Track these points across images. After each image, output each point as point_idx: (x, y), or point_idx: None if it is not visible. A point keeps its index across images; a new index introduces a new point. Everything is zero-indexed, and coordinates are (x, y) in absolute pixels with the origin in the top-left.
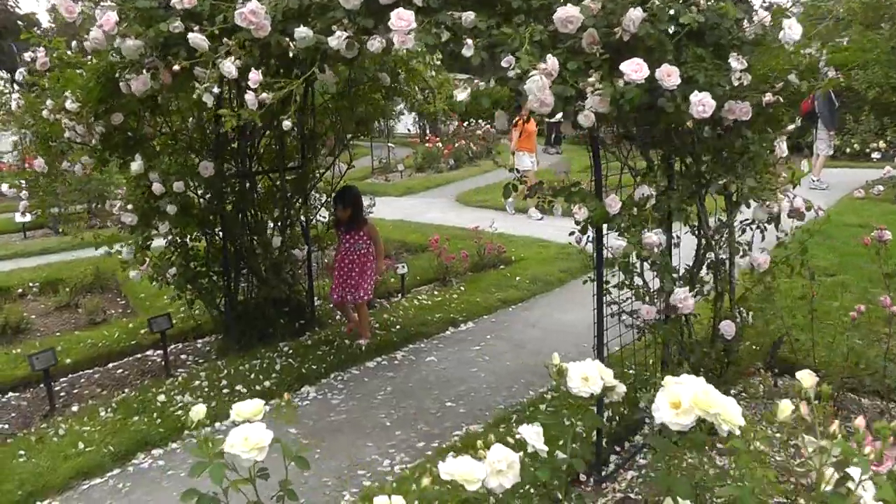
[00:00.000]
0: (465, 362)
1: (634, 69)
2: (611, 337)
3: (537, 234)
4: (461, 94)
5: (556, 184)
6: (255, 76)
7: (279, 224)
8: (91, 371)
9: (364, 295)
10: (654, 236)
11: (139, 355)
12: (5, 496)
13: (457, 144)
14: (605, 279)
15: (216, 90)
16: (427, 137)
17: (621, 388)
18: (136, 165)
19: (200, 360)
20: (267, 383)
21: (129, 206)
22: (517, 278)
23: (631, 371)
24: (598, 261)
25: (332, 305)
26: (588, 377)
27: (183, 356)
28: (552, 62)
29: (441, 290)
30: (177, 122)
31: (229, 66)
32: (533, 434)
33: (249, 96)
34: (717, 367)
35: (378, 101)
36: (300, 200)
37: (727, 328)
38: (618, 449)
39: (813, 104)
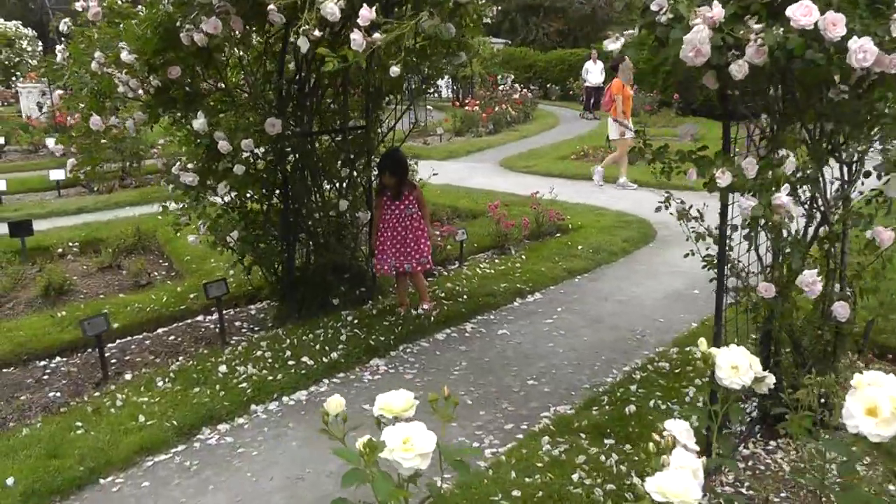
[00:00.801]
0: (540, 337)
1: (804, 13)
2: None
3: (591, 201)
4: (612, 45)
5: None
6: (366, 13)
7: (343, 186)
8: (141, 337)
9: (425, 260)
10: (785, 198)
11: (189, 321)
12: (65, 472)
13: (496, 108)
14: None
15: (316, 34)
16: (467, 100)
17: (770, 380)
18: (200, 122)
19: (256, 328)
20: (334, 355)
21: (190, 166)
22: (579, 247)
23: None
24: (721, 233)
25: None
26: (737, 366)
27: (237, 323)
28: (718, 10)
29: (502, 259)
30: (233, 79)
31: (332, 7)
32: (683, 431)
33: (357, 36)
34: (826, 351)
35: (441, 56)
36: (363, 161)
37: (841, 309)
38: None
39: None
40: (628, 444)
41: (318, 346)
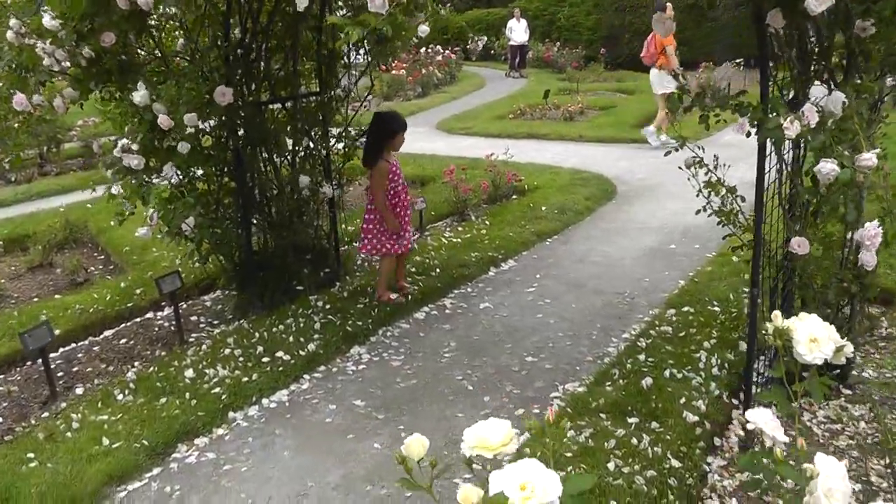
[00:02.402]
0: (526, 307)
1: None
2: (674, 273)
3: (540, 160)
4: None
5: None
6: None
7: (300, 159)
8: (87, 342)
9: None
10: (869, 155)
11: (139, 319)
12: None
13: (423, 71)
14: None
15: None
16: (393, 64)
17: (849, 348)
18: (141, 95)
19: (215, 322)
20: (311, 346)
21: (135, 147)
22: (542, 208)
23: None
24: (758, 193)
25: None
26: (817, 338)
27: (193, 317)
28: None
29: (464, 226)
30: (169, 46)
31: None
32: (769, 422)
33: None
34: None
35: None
36: (320, 131)
37: (868, 258)
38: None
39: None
40: (655, 422)
41: (291, 338)
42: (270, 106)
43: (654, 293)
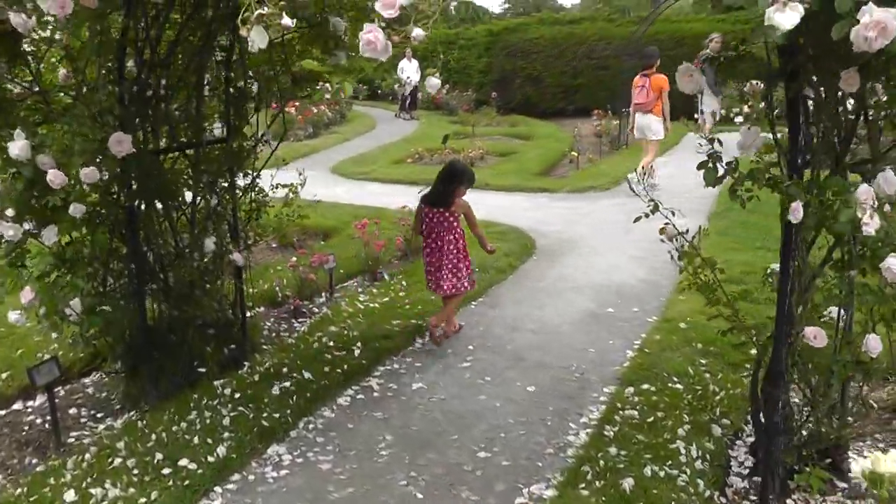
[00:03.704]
0: (465, 388)
1: None
2: (619, 342)
3: None
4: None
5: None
6: None
7: (205, 219)
8: None
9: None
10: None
11: (4, 413)
12: None
13: (315, 110)
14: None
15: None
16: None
17: None
18: (20, 146)
19: (100, 414)
20: (221, 450)
21: (10, 211)
22: None
23: None
24: (783, 286)
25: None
26: None
27: (72, 410)
28: None
29: (378, 287)
30: (48, 78)
31: None
32: None
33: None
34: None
35: (314, 56)
36: (227, 183)
37: (874, 343)
38: None
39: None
40: None
41: (196, 439)
42: (169, 155)
43: (603, 367)
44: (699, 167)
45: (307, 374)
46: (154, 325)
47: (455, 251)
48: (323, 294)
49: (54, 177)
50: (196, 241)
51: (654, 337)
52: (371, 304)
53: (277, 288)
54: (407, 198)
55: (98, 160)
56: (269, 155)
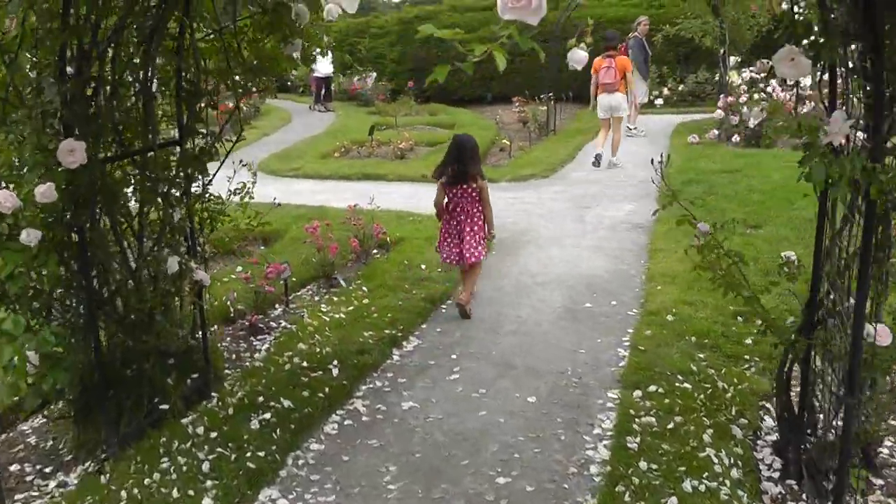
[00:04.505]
0: (461, 404)
1: None
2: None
3: (391, 205)
4: None
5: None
6: None
7: (168, 233)
8: None
9: None
10: None
11: None
12: None
13: (229, 105)
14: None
15: None
16: None
17: None
18: None
19: (47, 468)
20: (207, 502)
21: None
22: (421, 266)
23: None
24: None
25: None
26: None
27: (13, 466)
28: None
29: (338, 295)
30: None
31: None
32: None
33: None
34: None
35: (266, 45)
36: (181, 193)
37: None
38: None
39: (627, 52)
40: None
41: (175, 492)
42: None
43: (599, 369)
44: (802, 162)
45: (286, 402)
46: (106, 358)
47: (479, 222)
48: (278, 306)
49: (4, 199)
50: (155, 261)
51: (644, 332)
52: (336, 315)
53: (229, 303)
54: (346, 195)
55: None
56: (225, 156)
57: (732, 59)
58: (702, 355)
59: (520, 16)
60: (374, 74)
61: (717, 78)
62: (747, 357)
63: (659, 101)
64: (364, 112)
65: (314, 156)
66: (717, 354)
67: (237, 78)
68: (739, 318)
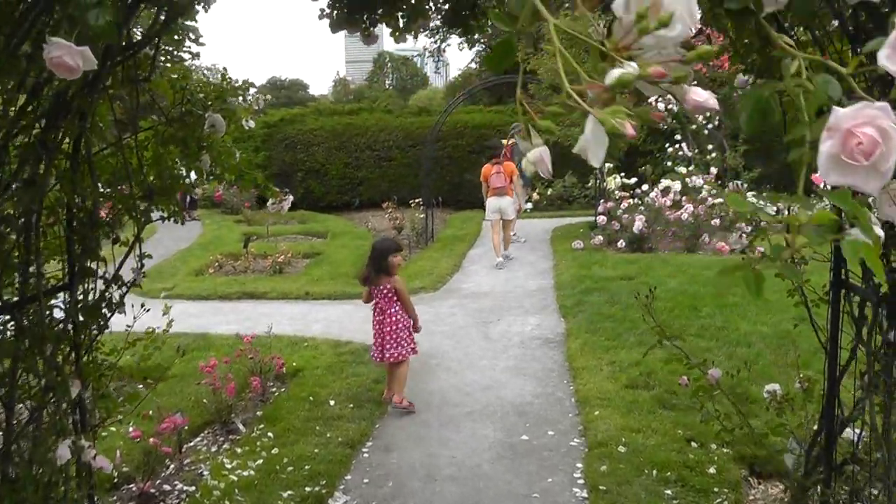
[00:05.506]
0: None
1: None
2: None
3: (280, 329)
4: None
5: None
6: None
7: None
8: None
9: None
10: None
11: None
12: None
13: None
14: None
15: None
16: None
17: None
18: None
19: None
20: None
21: None
22: (330, 402)
23: None
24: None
25: None
26: None
27: None
28: None
29: (240, 444)
30: None
31: None
32: None
33: None
34: None
35: (168, 159)
36: (67, 355)
37: None
38: None
39: (512, 156)
40: None
41: None
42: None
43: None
44: None
45: None
46: None
47: (396, 321)
48: (169, 463)
49: None
50: (38, 450)
51: (599, 468)
52: (244, 473)
53: (112, 467)
54: (229, 317)
55: None
56: (122, 296)
57: (608, 165)
58: (669, 492)
59: (853, 181)
60: (290, 198)
61: (589, 184)
62: (716, 490)
63: (528, 206)
64: (231, 220)
65: (187, 272)
66: (685, 489)
67: (138, 203)
68: (693, 443)
